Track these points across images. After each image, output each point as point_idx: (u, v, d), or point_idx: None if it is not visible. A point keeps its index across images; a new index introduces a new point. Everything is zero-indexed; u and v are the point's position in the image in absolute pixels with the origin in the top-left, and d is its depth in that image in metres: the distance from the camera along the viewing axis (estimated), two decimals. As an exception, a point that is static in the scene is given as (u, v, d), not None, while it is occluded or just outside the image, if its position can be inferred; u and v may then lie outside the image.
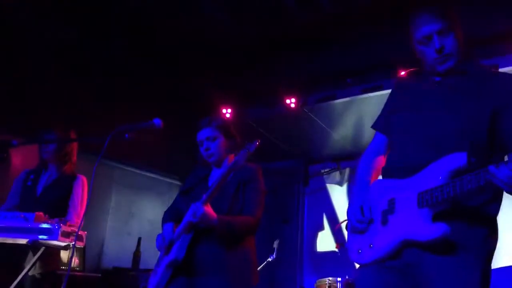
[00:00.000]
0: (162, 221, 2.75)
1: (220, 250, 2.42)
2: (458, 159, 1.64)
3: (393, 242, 1.74)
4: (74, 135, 3.29)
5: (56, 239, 2.57)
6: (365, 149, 2.14)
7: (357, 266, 1.95)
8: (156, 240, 2.61)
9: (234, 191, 2.54)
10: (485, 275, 1.69)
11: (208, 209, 2.36)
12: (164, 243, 2.53)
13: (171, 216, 2.72)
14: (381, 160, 2.08)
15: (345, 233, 2.24)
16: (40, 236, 2.58)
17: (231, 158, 2.69)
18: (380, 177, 2.03)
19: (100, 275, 4.64)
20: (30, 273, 2.76)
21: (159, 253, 2.65)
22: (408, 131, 1.88)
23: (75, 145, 3.41)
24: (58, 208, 3.11)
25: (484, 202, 1.73)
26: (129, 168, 5.91)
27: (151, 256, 5.27)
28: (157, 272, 2.51)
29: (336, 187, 6.09)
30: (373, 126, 2.18)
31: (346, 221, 2.02)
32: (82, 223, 2.48)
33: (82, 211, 3.20)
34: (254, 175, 2.61)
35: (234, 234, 2.44)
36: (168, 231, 2.56)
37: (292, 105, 4.91)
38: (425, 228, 1.65)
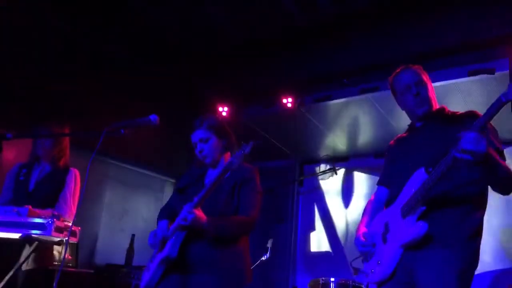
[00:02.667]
0: (158, 218, 2.74)
1: (212, 248, 2.41)
2: (419, 175, 2.07)
3: (395, 253, 2.07)
4: (68, 130, 3.26)
5: (49, 234, 2.55)
6: (372, 197, 2.53)
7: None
8: (149, 237, 2.60)
9: (230, 191, 2.53)
10: (463, 273, 1.93)
11: (199, 212, 2.35)
12: (157, 239, 2.53)
13: (166, 213, 2.71)
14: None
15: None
16: (33, 231, 2.57)
17: (227, 156, 2.69)
18: None
19: (92, 271, 4.62)
20: (23, 268, 2.74)
21: (152, 250, 2.64)
22: (397, 174, 2.29)
23: (68, 140, 3.39)
24: (51, 202, 3.11)
25: (469, 200, 2.04)
26: (124, 165, 5.89)
27: (144, 253, 5.26)
28: (150, 268, 2.51)
29: (331, 187, 6.10)
30: (377, 183, 2.56)
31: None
32: (74, 217, 2.46)
33: (74, 205, 3.18)
34: (251, 175, 2.60)
35: (225, 236, 2.44)
36: (163, 228, 2.55)
37: (289, 105, 4.90)
38: (411, 230, 2.01)
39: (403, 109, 2.43)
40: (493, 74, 3.78)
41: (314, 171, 6.19)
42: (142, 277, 2.56)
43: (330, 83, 4.71)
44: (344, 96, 4.61)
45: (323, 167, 6.15)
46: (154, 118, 2.32)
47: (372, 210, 2.44)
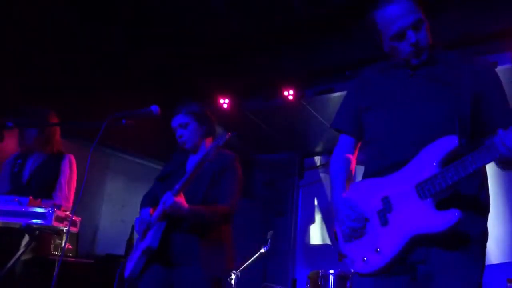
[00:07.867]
0: (140, 205, 2.77)
1: (194, 239, 2.44)
2: (449, 142, 1.59)
3: (402, 241, 1.62)
4: (55, 118, 3.17)
5: (49, 223, 2.56)
6: (333, 152, 2.02)
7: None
8: (135, 223, 2.62)
9: (210, 180, 2.54)
10: (483, 269, 1.67)
11: (180, 199, 2.36)
12: (143, 227, 2.54)
13: (149, 201, 2.73)
14: (353, 161, 2.00)
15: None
16: (34, 220, 2.58)
17: (208, 142, 2.69)
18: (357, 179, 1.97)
19: (93, 261, 4.64)
20: (23, 257, 2.74)
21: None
22: (389, 127, 1.79)
23: (57, 128, 3.26)
24: (48, 191, 3.06)
25: (478, 190, 1.69)
26: (124, 156, 5.90)
27: (144, 244, 5.28)
28: (132, 259, 2.52)
29: (331, 180, 6.10)
30: (338, 127, 2.03)
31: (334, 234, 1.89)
32: (72, 205, 2.44)
33: (71, 193, 3.12)
34: (230, 163, 2.61)
35: (205, 224, 2.46)
36: (146, 215, 2.57)
37: (290, 97, 4.90)
38: (436, 219, 1.55)
39: (386, 51, 1.87)
40: (495, 68, 3.76)
41: (315, 164, 6.19)
42: (126, 267, 2.57)
43: (332, 76, 4.71)
44: (346, 89, 4.58)
45: (323, 160, 6.16)
46: (155, 108, 2.33)
47: (344, 171, 1.95)
